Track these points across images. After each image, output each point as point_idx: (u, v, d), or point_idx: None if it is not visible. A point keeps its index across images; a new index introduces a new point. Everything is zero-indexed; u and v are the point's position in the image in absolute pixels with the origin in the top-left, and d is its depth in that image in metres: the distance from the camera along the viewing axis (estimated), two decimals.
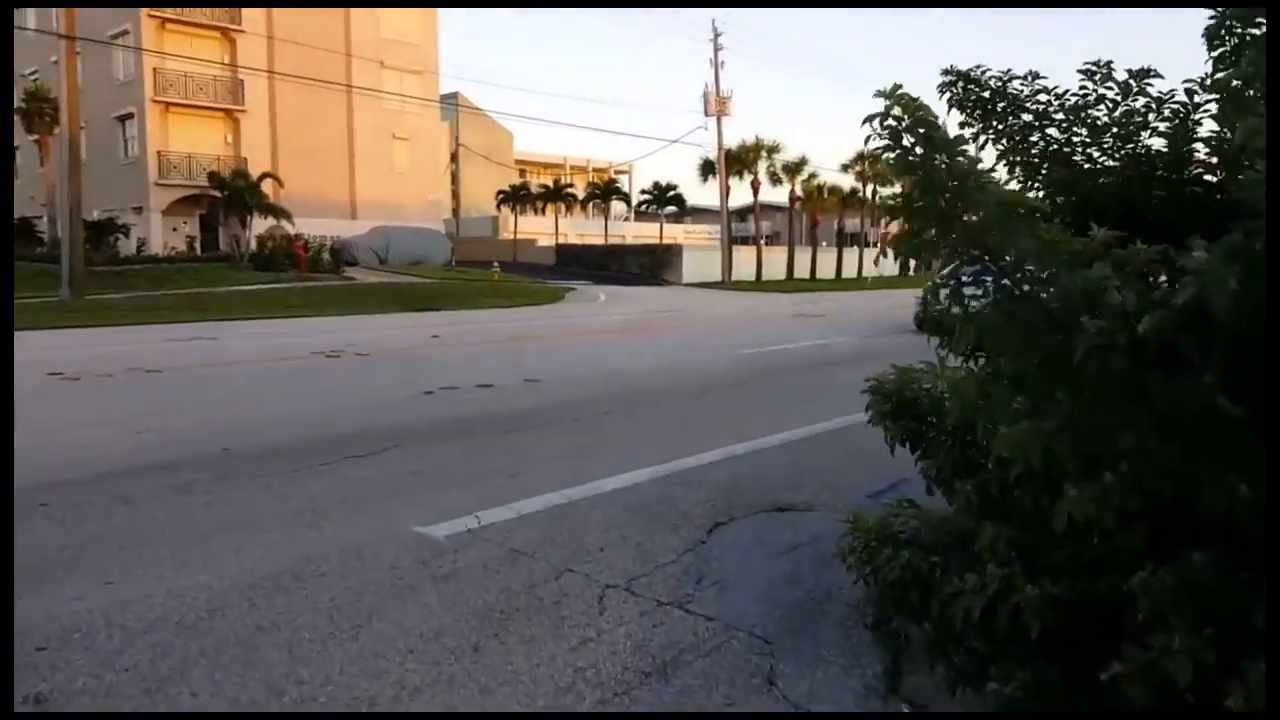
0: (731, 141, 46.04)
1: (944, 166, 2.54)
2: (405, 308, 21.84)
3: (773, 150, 47.57)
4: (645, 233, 65.68)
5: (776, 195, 51.88)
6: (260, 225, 37.61)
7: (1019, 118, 3.38)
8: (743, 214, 61.35)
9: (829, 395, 9.15)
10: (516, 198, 60.20)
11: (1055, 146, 3.35)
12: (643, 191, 59.54)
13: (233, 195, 36.35)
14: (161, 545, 4.29)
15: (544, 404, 8.31)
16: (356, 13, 45.99)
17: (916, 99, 2.71)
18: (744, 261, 46.91)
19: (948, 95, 3.62)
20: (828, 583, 4.06)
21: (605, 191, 62.82)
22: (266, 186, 37.57)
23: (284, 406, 8.14)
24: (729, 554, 4.36)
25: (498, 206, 61.14)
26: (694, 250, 48.79)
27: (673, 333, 17.00)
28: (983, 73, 3.42)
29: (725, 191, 44.32)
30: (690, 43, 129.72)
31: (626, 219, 75.29)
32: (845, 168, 54.74)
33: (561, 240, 62.10)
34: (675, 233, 65.01)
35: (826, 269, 51.97)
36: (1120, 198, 3.28)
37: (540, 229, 65.03)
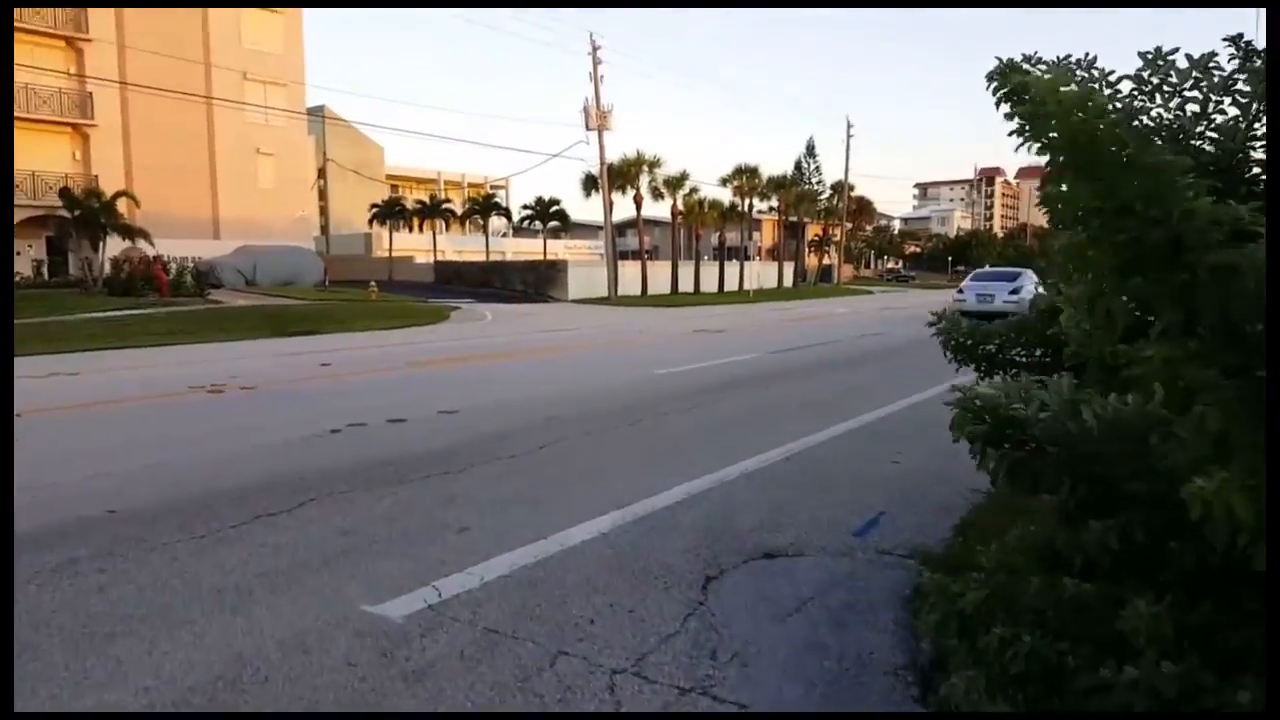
0: (613, 156, 45.84)
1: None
2: (281, 332, 20.40)
3: (654, 165, 47.68)
4: (526, 249, 64.83)
5: (658, 210, 52.00)
6: (115, 247, 34.84)
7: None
8: (622, 229, 61.20)
9: (768, 418, 8.81)
10: (390, 214, 58.31)
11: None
12: (524, 207, 58.72)
13: (84, 215, 33.50)
14: (51, 650, 3.44)
15: (468, 440, 7.59)
16: (216, 22, 43.53)
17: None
18: (629, 276, 46.70)
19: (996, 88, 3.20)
20: (854, 647, 3.60)
21: (485, 207, 61.65)
22: (122, 206, 34.83)
23: (170, 454, 7.11)
24: (735, 617, 3.84)
25: (370, 223, 59.03)
26: (579, 266, 48.26)
27: (577, 353, 16.41)
28: (1036, 61, 3.01)
29: (609, 206, 44.02)
30: (569, 55, 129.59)
31: (505, 235, 74.15)
32: (724, 182, 55.49)
33: (440, 257, 60.47)
34: (556, 249, 64.37)
35: (709, 282, 52.38)
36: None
37: (416, 246, 63.22)
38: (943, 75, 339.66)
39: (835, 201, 73.78)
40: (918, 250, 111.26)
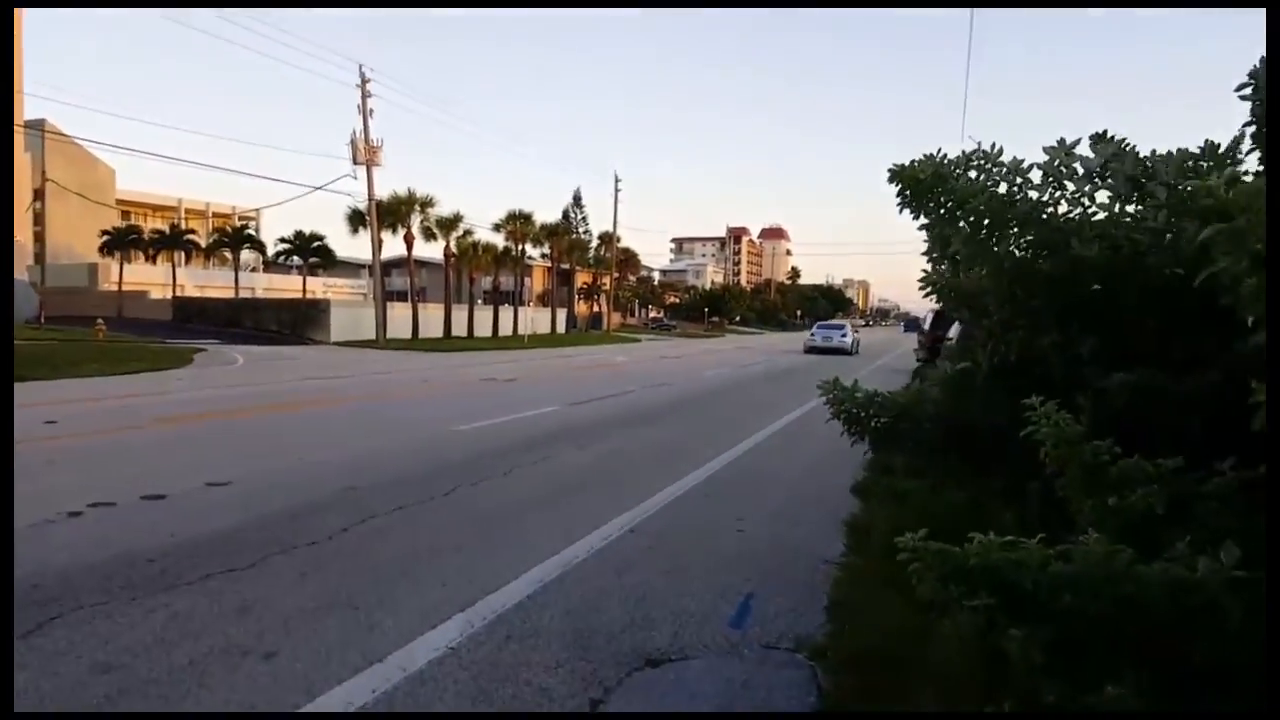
0: (383, 193, 43.94)
1: None
2: None
3: (426, 204, 46.31)
4: (281, 286, 60.75)
5: (430, 250, 50.40)
6: None
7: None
8: (387, 268, 58.76)
9: (593, 482, 8.15)
10: (123, 243, 52.66)
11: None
12: (282, 240, 54.87)
13: None
14: None
15: (250, 521, 6.34)
16: None
17: None
18: (398, 319, 44.66)
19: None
20: None
21: (236, 239, 57.14)
22: None
23: None
24: None
25: (101, 252, 52.95)
26: (343, 306, 45.58)
27: (356, 406, 14.94)
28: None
29: (378, 244, 41.98)
30: (336, 85, 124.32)
31: (254, 270, 69.20)
32: (498, 227, 54.95)
33: (180, 293, 55.24)
34: (315, 286, 60.70)
35: (482, 327, 51.31)
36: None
37: (152, 279, 57.46)
38: (698, 137, 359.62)
39: (604, 251, 75.14)
40: (677, 301, 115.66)
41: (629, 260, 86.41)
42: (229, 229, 61.68)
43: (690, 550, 5.87)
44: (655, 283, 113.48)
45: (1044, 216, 3.15)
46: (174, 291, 54.88)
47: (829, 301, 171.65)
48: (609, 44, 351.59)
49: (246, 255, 65.10)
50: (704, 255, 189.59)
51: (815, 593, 5.10)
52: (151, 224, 63.66)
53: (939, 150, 3.60)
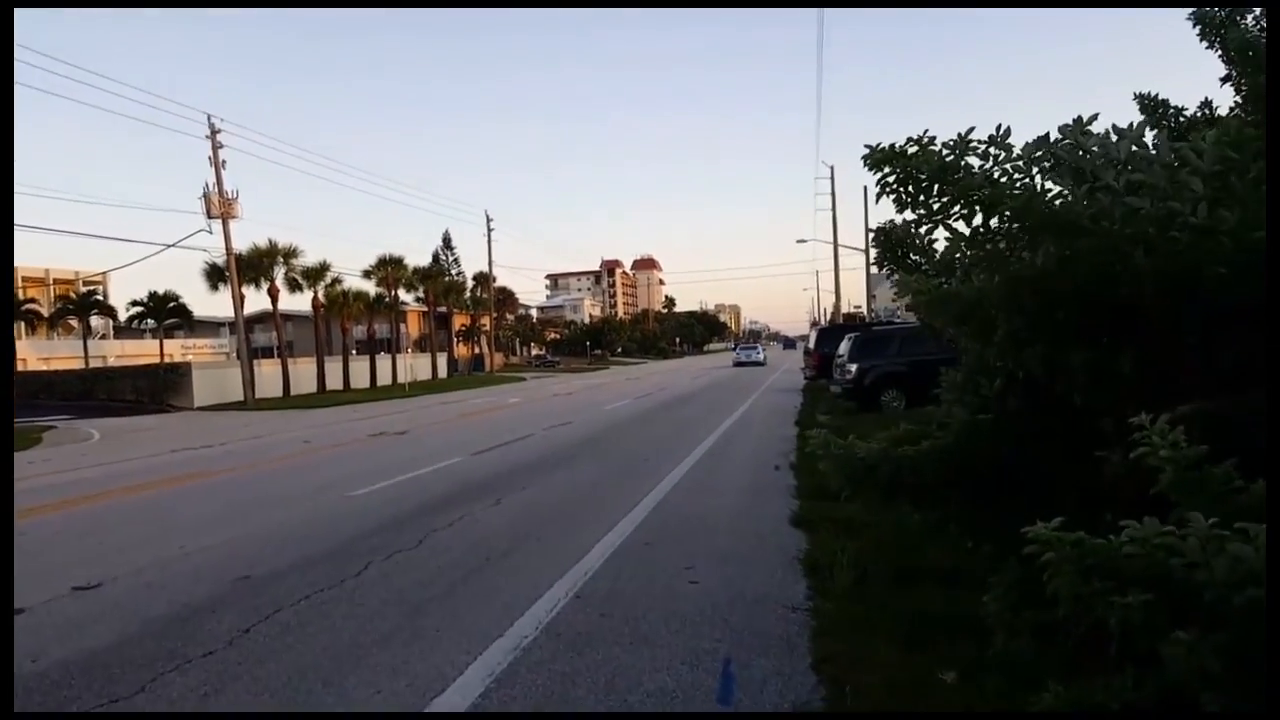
0: (243, 245, 41.74)
1: None
2: None
3: (290, 255, 44.26)
4: (136, 351, 56.91)
5: (297, 303, 48.22)
6: None
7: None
8: (251, 324, 55.85)
9: (518, 540, 7.46)
10: None
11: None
12: (134, 304, 51.38)
13: None
14: None
15: (131, 631, 5.41)
16: None
17: None
18: (267, 376, 42.36)
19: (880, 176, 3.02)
20: None
21: (82, 305, 53.32)
22: None
23: None
24: None
25: None
26: (206, 368, 42.85)
27: (233, 478, 13.59)
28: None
29: (240, 300, 39.68)
30: (184, 139, 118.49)
31: (104, 337, 64.78)
32: (368, 274, 53.14)
33: (23, 367, 51.02)
34: (174, 349, 57.16)
35: (359, 378, 49.28)
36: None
37: None
38: (565, 172, 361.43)
39: (480, 292, 73.91)
40: (557, 336, 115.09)
41: (507, 299, 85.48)
42: (73, 295, 57.50)
43: (647, 613, 5.30)
44: (534, 320, 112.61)
45: (1074, 215, 2.78)
46: (13, 366, 50.64)
47: (704, 327, 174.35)
48: (470, 81, 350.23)
49: (96, 322, 60.82)
50: (580, 290, 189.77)
51: (795, 648, 4.63)
52: None
53: (924, 132, 3.19)
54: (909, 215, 3.34)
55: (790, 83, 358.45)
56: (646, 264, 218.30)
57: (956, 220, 3.21)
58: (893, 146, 3.25)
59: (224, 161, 38.18)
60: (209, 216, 38.15)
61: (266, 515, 9.48)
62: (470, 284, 76.00)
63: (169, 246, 39.72)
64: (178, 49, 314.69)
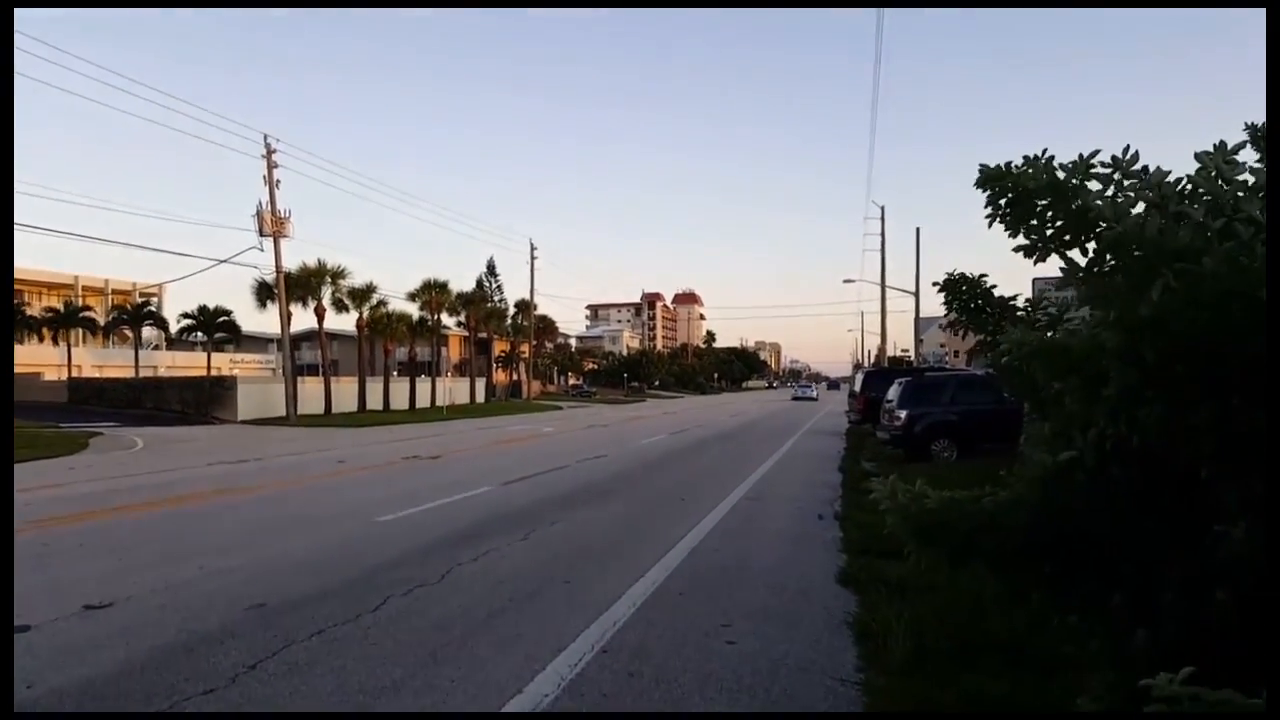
0: (293, 264, 42.22)
1: None
2: None
3: (338, 275, 44.66)
4: (185, 363, 57.79)
5: (342, 323, 48.65)
6: None
7: None
8: (297, 342, 56.44)
9: (545, 581, 7.03)
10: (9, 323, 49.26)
11: None
12: (185, 316, 52.26)
13: None
14: None
15: (135, 657, 5.12)
16: None
17: None
18: (310, 394, 42.64)
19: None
20: None
21: (136, 316, 54.32)
22: None
23: None
24: None
25: None
26: (251, 382, 43.22)
27: (264, 495, 13.38)
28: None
29: (286, 318, 40.03)
30: (242, 158, 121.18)
31: (157, 348, 65.88)
32: (412, 297, 53.49)
33: (76, 374, 51.98)
34: (221, 363, 57.91)
35: (399, 399, 49.43)
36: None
37: (45, 360, 54.00)
38: (610, 204, 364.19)
39: (520, 319, 74.12)
40: (595, 367, 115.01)
41: (547, 327, 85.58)
42: (129, 305, 58.62)
43: (679, 676, 4.87)
44: (573, 349, 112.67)
45: (1205, 251, 2.37)
46: (69, 372, 51.60)
47: (743, 364, 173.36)
48: (516, 111, 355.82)
49: (149, 333, 61.87)
50: (619, 321, 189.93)
51: None
52: (46, 302, 60.07)
53: (1043, 151, 2.81)
54: (1020, 241, 2.94)
55: (843, 119, 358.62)
56: (687, 298, 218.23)
57: (1072, 250, 2.82)
58: (1007, 166, 2.88)
59: (278, 181, 38.78)
60: (261, 234, 38.66)
61: (290, 538, 9.20)
62: (512, 311, 76.29)
63: (221, 262, 40.37)
64: (230, 66, 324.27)
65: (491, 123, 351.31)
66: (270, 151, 38.59)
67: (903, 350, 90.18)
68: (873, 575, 6.89)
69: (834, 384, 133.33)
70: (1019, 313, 4.86)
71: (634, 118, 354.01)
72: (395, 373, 53.92)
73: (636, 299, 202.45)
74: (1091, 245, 2.75)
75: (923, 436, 17.61)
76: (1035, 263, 2.91)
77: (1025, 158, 2.86)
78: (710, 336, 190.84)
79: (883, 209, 46.26)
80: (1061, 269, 2.89)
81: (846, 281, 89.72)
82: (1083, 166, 2.72)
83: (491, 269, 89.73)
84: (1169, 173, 2.66)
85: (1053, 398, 2.95)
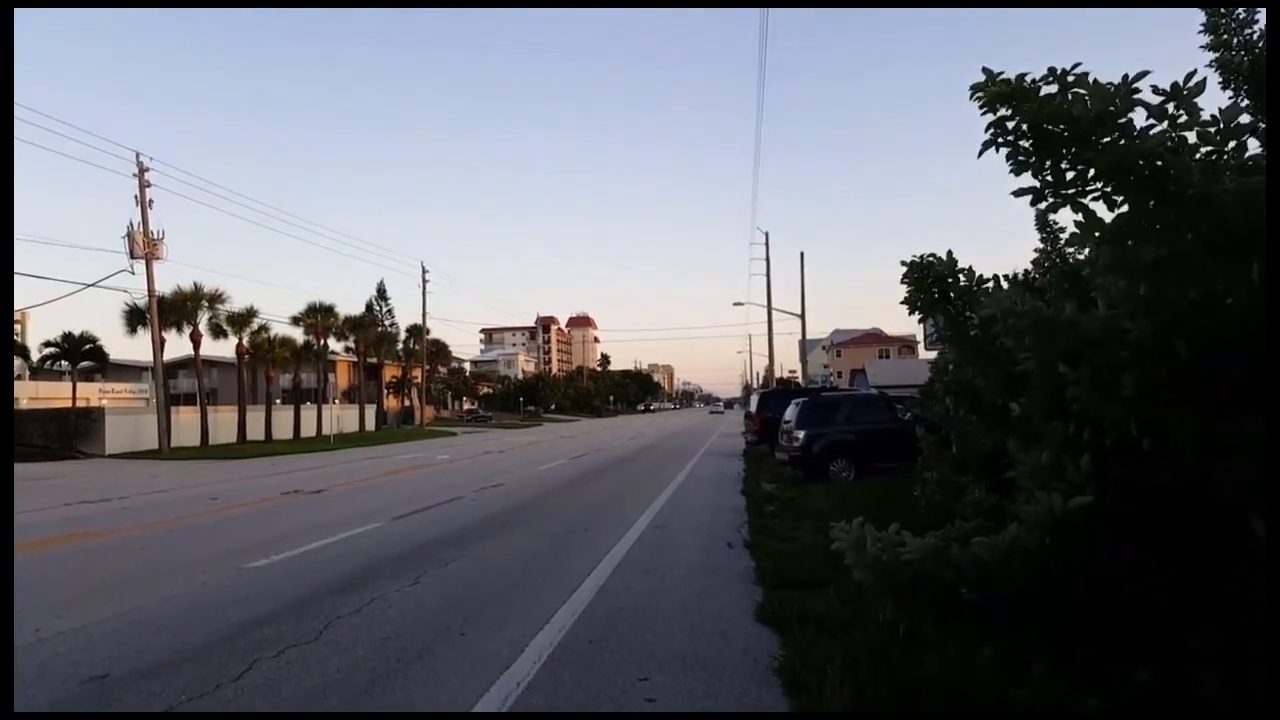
0: (167, 288, 39.81)
1: None
2: None
3: (216, 299, 42.44)
4: (50, 394, 53.67)
5: (221, 349, 46.08)
6: None
7: None
8: (173, 369, 53.26)
9: (441, 638, 6.30)
10: None
11: None
12: (48, 344, 48.72)
13: None
14: None
15: None
16: None
17: None
18: (186, 424, 40.22)
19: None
20: None
21: None
22: None
23: None
24: None
25: None
26: (121, 414, 40.33)
27: (122, 540, 12.07)
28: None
29: (160, 344, 37.63)
30: (111, 176, 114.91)
31: (19, 378, 61.20)
32: (296, 321, 51.36)
33: None
34: (89, 392, 54.09)
35: (283, 429, 47.16)
36: None
37: None
38: (505, 228, 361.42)
39: (413, 344, 72.14)
40: (491, 391, 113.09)
41: (440, 352, 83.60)
42: None
43: None
44: (467, 374, 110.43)
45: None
46: None
47: (639, 386, 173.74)
48: (409, 133, 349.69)
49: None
50: (514, 345, 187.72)
51: None
52: None
53: (1074, 65, 2.34)
54: (1026, 182, 2.48)
55: (728, 145, 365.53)
56: (582, 321, 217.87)
57: (1095, 200, 2.37)
58: (1020, 80, 2.41)
59: (151, 201, 36.57)
60: (132, 257, 36.32)
61: (147, 590, 8.16)
62: (403, 335, 74.19)
63: (89, 285, 37.76)
64: (101, 77, 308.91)
65: (383, 150, 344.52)
66: (143, 170, 36.42)
67: (790, 371, 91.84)
68: (793, 611, 6.45)
69: (728, 404, 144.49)
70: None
71: (526, 140, 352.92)
72: (279, 401, 51.47)
73: (531, 322, 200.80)
74: (1121, 196, 2.29)
75: (821, 457, 17.51)
76: (1047, 211, 2.46)
77: (1050, 69, 2.40)
78: (605, 359, 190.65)
79: (767, 235, 46.88)
80: (1077, 223, 2.44)
81: (736, 304, 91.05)
82: (1125, 91, 2.27)
83: (382, 293, 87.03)
84: (1241, 112, 2.24)
85: (1047, 388, 2.48)
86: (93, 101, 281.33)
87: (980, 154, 2.51)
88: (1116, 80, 2.30)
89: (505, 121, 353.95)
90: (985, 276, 3.93)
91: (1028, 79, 2.42)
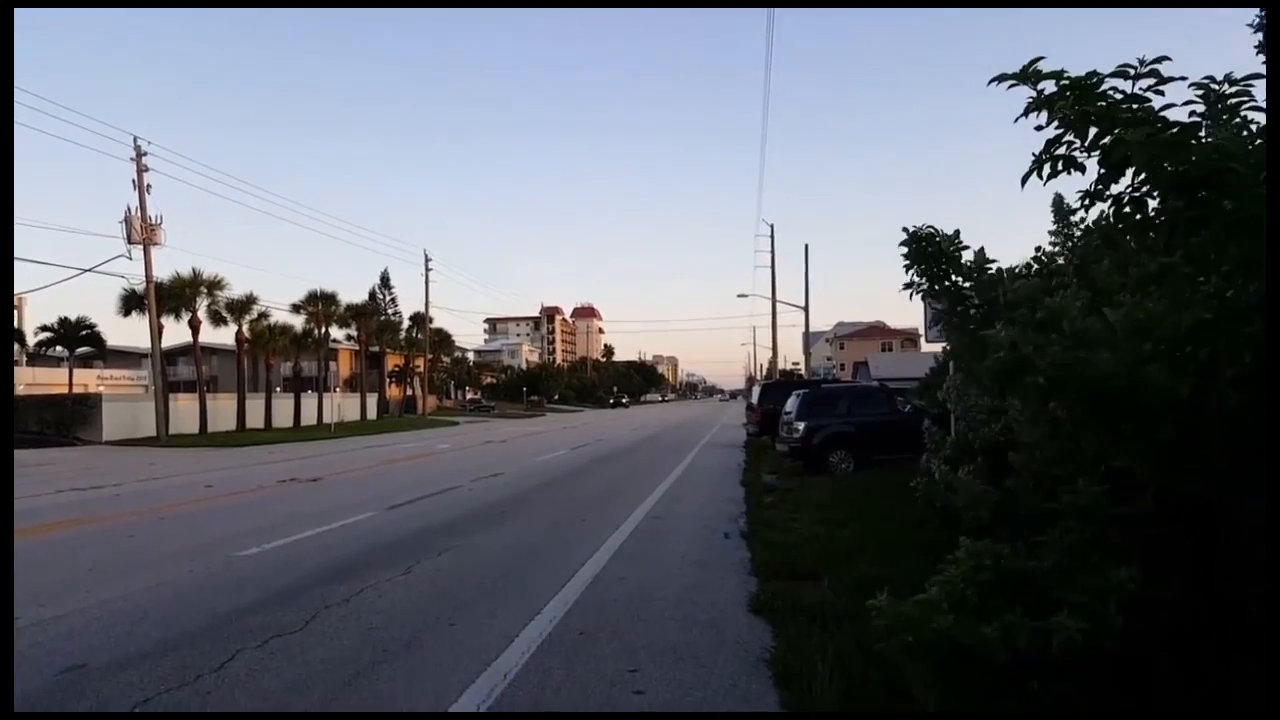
0: (165, 273, 39.71)
1: None
2: None
3: (215, 285, 42.29)
4: (47, 380, 53.63)
5: (221, 336, 46.05)
6: None
7: None
8: (172, 356, 53.20)
9: (430, 631, 6.17)
10: None
11: None
12: (44, 329, 48.67)
13: None
14: None
15: None
16: None
17: None
18: (184, 411, 40.14)
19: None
20: None
21: None
22: None
23: None
24: None
25: None
26: (119, 400, 40.24)
27: (113, 526, 11.94)
28: None
29: (158, 331, 37.53)
30: (109, 160, 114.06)
31: (16, 364, 61.15)
32: (297, 308, 51.26)
33: None
34: (87, 379, 54.03)
35: (283, 417, 47.12)
36: None
37: None
38: (508, 219, 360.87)
39: (415, 333, 71.99)
40: (493, 381, 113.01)
41: (443, 341, 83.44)
42: None
43: None
44: (471, 363, 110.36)
45: None
46: None
47: (642, 377, 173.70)
48: (419, 122, 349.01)
49: None
50: (518, 335, 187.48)
51: None
52: None
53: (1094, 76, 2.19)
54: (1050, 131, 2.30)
55: (736, 139, 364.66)
56: (586, 312, 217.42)
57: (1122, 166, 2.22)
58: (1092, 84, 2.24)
59: (149, 185, 36.41)
60: (130, 242, 36.19)
61: (133, 579, 8.04)
62: (406, 324, 74.04)
63: (84, 271, 37.59)
64: (101, 61, 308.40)
65: (391, 136, 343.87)
66: (140, 154, 36.25)
67: (793, 363, 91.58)
68: (787, 602, 6.34)
69: (733, 395, 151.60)
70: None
71: (535, 132, 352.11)
72: (279, 389, 51.44)
73: (535, 312, 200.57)
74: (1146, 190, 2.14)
75: (821, 448, 17.43)
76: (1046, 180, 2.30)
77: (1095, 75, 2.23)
78: (609, 350, 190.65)
79: (772, 227, 46.71)
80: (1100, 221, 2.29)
81: (740, 296, 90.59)
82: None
83: (386, 281, 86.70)
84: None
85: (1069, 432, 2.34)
86: (90, 84, 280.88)
87: (1016, 121, 2.38)
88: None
89: (512, 116, 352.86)
90: (992, 258, 3.79)
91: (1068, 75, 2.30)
